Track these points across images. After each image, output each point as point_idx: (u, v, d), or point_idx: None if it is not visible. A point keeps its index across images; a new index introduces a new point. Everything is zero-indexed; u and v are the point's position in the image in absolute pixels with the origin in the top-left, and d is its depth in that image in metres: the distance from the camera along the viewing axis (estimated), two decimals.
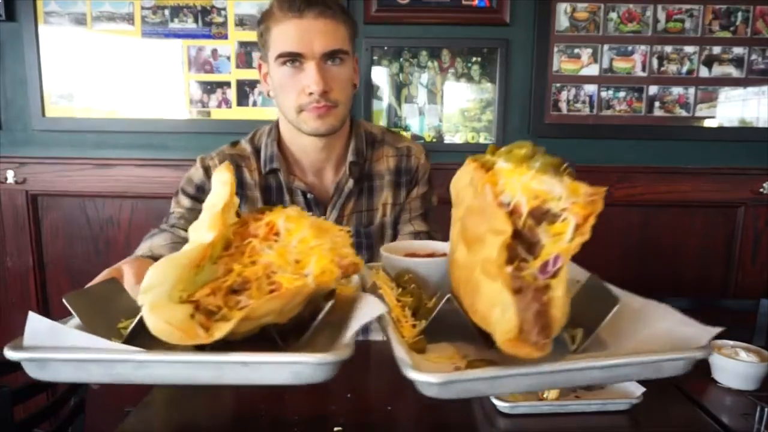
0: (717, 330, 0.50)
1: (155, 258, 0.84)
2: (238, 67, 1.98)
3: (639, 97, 1.99)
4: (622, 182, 1.99)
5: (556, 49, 1.97)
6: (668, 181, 2.00)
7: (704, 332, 0.50)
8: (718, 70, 1.97)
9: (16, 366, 0.50)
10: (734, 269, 2.04)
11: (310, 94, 1.04)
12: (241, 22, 1.96)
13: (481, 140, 2.02)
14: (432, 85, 2.01)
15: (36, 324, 0.51)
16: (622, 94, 1.99)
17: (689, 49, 1.96)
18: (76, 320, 0.57)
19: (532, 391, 0.88)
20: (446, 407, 0.88)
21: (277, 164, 1.16)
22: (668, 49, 1.97)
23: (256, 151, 1.19)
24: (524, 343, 0.46)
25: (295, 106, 1.07)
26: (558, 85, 1.98)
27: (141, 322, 0.52)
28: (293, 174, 1.19)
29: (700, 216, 2.04)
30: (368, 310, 0.54)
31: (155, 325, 0.48)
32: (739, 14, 1.94)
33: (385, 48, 1.98)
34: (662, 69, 1.98)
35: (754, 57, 1.96)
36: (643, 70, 1.98)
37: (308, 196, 1.18)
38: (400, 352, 0.51)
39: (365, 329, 1.19)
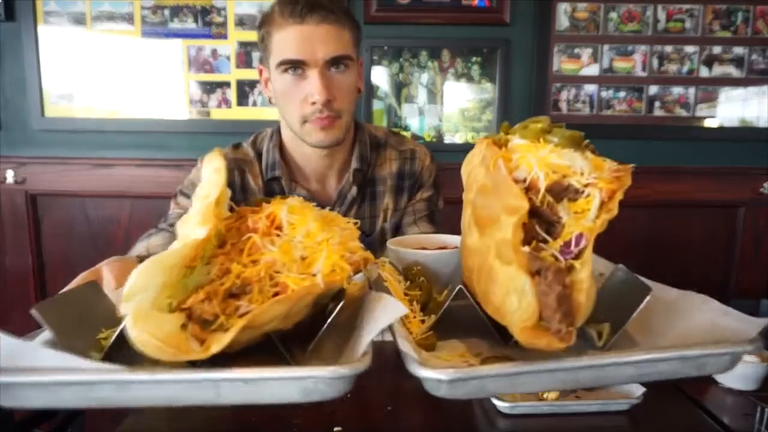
0: (765, 321, 0.44)
1: None
2: (237, 67, 1.98)
3: (639, 97, 1.99)
4: None
5: (556, 49, 1.96)
6: (668, 181, 2.00)
7: (751, 324, 0.45)
8: (718, 70, 1.97)
9: None
10: (734, 269, 2.05)
11: (313, 103, 1.00)
12: (240, 22, 1.96)
13: None
14: (432, 85, 2.01)
15: (4, 343, 0.45)
16: (622, 94, 1.99)
17: (689, 49, 1.96)
18: (47, 334, 0.50)
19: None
20: (446, 407, 0.88)
21: (279, 172, 1.13)
22: (668, 49, 1.96)
23: (259, 155, 1.16)
24: (545, 332, 0.41)
25: (299, 117, 1.03)
26: (558, 85, 1.98)
27: (124, 332, 0.45)
28: (295, 181, 1.16)
29: (700, 216, 2.04)
30: (386, 312, 0.47)
31: (140, 339, 0.41)
32: (739, 14, 1.94)
33: (385, 48, 1.98)
34: (662, 69, 1.98)
35: (754, 57, 1.96)
36: (644, 70, 1.98)
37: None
38: (406, 347, 0.46)
39: None
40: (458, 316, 0.56)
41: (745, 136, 2.00)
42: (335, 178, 1.18)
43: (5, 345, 0.45)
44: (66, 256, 2.04)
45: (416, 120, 2.03)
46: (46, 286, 2.07)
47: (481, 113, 2.01)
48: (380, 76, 2.00)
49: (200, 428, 0.88)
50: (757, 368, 1.05)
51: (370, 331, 0.46)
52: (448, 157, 1.31)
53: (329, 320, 0.51)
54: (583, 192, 0.46)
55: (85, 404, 0.43)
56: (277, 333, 0.48)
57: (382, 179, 1.20)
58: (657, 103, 1.99)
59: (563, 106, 1.99)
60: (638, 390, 0.90)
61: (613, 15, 1.95)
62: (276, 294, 0.46)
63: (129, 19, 1.95)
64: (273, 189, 1.15)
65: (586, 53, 1.97)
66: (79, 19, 1.94)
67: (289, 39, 0.99)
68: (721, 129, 2.00)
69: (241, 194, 1.14)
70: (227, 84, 1.99)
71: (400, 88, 2.01)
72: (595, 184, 0.46)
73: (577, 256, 0.44)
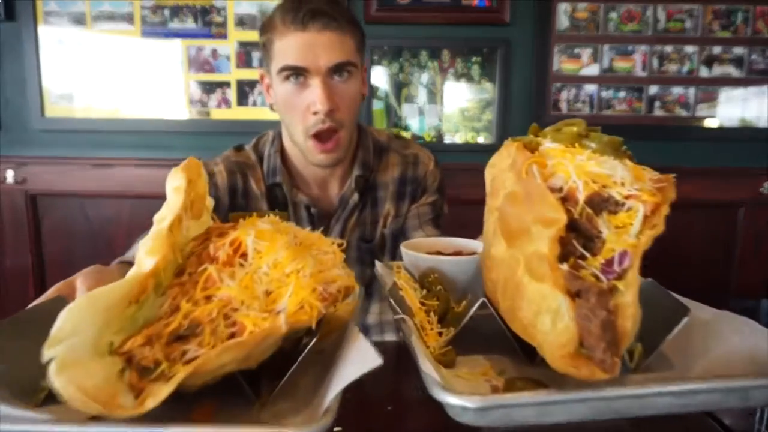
0: None
1: None
2: (237, 67, 1.98)
3: (639, 97, 1.99)
4: None
5: (556, 49, 1.96)
6: None
7: None
8: (718, 70, 1.97)
9: None
10: (734, 269, 2.05)
11: (315, 113, 0.98)
12: (240, 22, 1.96)
13: (481, 140, 2.02)
14: (432, 85, 2.01)
15: None
16: (622, 93, 1.99)
17: (689, 48, 1.96)
18: None
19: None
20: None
21: (280, 178, 1.11)
22: (668, 48, 1.96)
23: (261, 159, 1.14)
24: (586, 361, 0.37)
25: (302, 130, 1.01)
26: (558, 84, 1.98)
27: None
28: (296, 187, 1.14)
29: (700, 216, 2.03)
30: (360, 361, 0.42)
31: (65, 391, 0.35)
32: (739, 14, 1.94)
33: (385, 48, 1.98)
34: (662, 69, 1.98)
35: (754, 57, 1.96)
36: (643, 69, 1.98)
37: (312, 210, 1.13)
38: (429, 369, 0.42)
39: (364, 330, 1.17)
40: (478, 328, 0.52)
41: (745, 136, 2.00)
42: (337, 184, 1.16)
43: None
44: (66, 256, 2.04)
45: (416, 120, 2.03)
46: (46, 287, 2.04)
47: (481, 113, 2.01)
48: (380, 76, 2.00)
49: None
50: None
51: (337, 384, 0.41)
52: (448, 158, 1.31)
53: (300, 358, 0.45)
54: (623, 204, 0.43)
55: None
56: (242, 372, 0.43)
57: (384, 185, 1.18)
58: (657, 103, 1.99)
59: (563, 106, 1.99)
60: None
61: (613, 15, 1.95)
62: (232, 335, 0.41)
63: (129, 19, 1.94)
64: (275, 194, 1.14)
65: (586, 53, 1.97)
66: (79, 19, 1.94)
67: (291, 46, 0.97)
68: (721, 129, 2.00)
69: (243, 199, 1.12)
70: (227, 84, 1.99)
71: (400, 88, 2.01)
72: (639, 197, 0.42)
73: (620, 277, 0.40)
